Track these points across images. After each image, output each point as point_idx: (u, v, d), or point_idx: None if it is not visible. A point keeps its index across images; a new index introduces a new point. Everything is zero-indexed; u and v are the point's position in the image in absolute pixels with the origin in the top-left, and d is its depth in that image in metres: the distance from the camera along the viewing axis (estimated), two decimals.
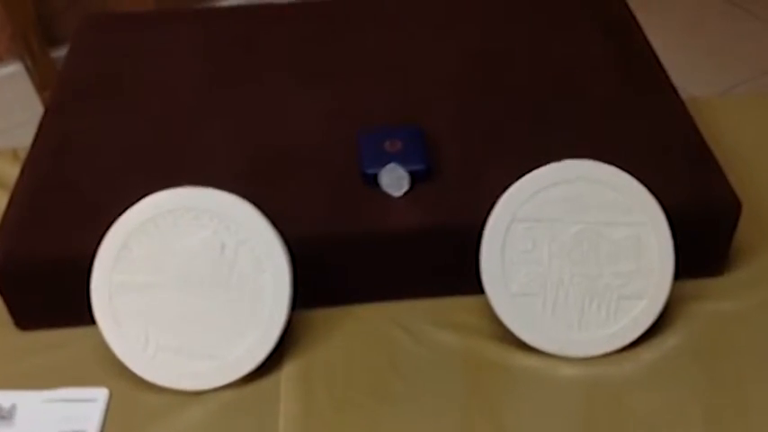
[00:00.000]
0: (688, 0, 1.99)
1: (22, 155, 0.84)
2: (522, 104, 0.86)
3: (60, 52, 1.37)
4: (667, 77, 0.90)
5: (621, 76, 0.90)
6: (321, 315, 0.78)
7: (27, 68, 1.67)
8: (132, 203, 0.71)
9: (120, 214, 0.71)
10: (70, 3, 1.69)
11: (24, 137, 0.85)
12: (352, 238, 0.75)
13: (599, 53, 0.93)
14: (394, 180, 0.77)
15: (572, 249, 0.73)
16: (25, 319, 0.77)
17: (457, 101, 0.87)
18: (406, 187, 0.77)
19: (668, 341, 0.75)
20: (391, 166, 0.77)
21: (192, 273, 0.71)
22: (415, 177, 0.77)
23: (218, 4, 1.80)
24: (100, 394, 0.72)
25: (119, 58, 0.94)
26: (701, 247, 0.79)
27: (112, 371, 0.72)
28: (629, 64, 0.92)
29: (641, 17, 0.99)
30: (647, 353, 0.74)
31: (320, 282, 0.77)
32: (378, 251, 0.76)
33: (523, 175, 0.72)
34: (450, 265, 0.78)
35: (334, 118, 0.85)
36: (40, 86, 1.67)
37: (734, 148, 0.88)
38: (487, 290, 0.73)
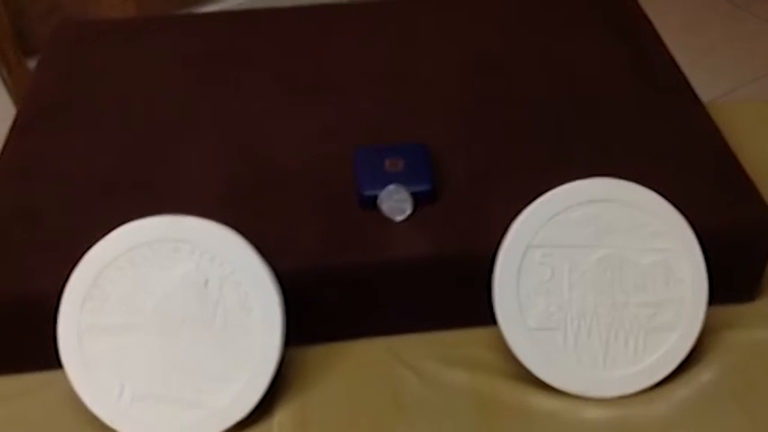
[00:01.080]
0: (689, 0, 1.96)
1: None
2: (534, 116, 0.80)
3: None
4: (687, 81, 0.85)
5: (638, 83, 0.84)
6: (317, 353, 0.71)
7: (3, 79, 1.61)
8: (104, 234, 0.65)
9: (90, 247, 0.65)
10: (48, 10, 1.63)
11: None
12: (349, 269, 0.69)
13: (613, 58, 0.87)
14: (395, 203, 0.71)
15: (595, 278, 0.67)
16: None
17: (462, 113, 0.81)
18: (408, 211, 0.71)
19: (703, 376, 0.69)
20: (392, 187, 0.70)
21: (171, 312, 0.64)
22: (418, 199, 0.71)
23: (201, 11, 1.74)
24: None
25: (93, 69, 0.87)
26: (733, 270, 0.73)
27: (84, 421, 0.65)
28: (646, 69, 0.86)
29: None
30: (681, 390, 0.68)
31: (315, 317, 0.71)
32: (378, 282, 0.70)
33: (539, 195, 0.66)
34: (458, 296, 0.71)
35: (327, 135, 0.79)
36: (17, 98, 1.61)
37: (754, 159, 0.82)
38: (502, 324, 0.67)
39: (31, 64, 1.60)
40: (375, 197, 0.71)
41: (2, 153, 0.78)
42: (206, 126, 0.80)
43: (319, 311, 0.71)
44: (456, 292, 0.71)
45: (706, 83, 1.59)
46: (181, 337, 0.64)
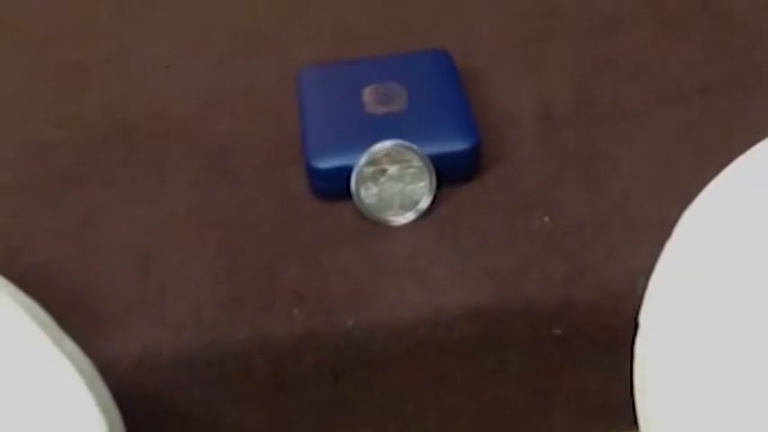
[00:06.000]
0: None
1: None
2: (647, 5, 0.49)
3: None
4: None
5: None
6: None
7: None
8: None
9: None
10: None
11: None
12: (293, 344, 0.36)
13: None
14: (392, 186, 0.37)
15: None
16: None
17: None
18: (425, 202, 0.37)
19: None
20: (383, 146, 0.36)
21: None
22: (443, 174, 0.37)
23: None
24: None
25: None
26: None
27: None
28: None
29: None
30: None
31: None
32: (363, 366, 0.37)
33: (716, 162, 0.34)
34: (542, 385, 0.39)
35: (246, 46, 0.48)
36: None
37: None
38: None
39: None
40: (346, 173, 0.37)
41: None
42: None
43: None
44: (534, 387, 0.39)
45: None
46: None
